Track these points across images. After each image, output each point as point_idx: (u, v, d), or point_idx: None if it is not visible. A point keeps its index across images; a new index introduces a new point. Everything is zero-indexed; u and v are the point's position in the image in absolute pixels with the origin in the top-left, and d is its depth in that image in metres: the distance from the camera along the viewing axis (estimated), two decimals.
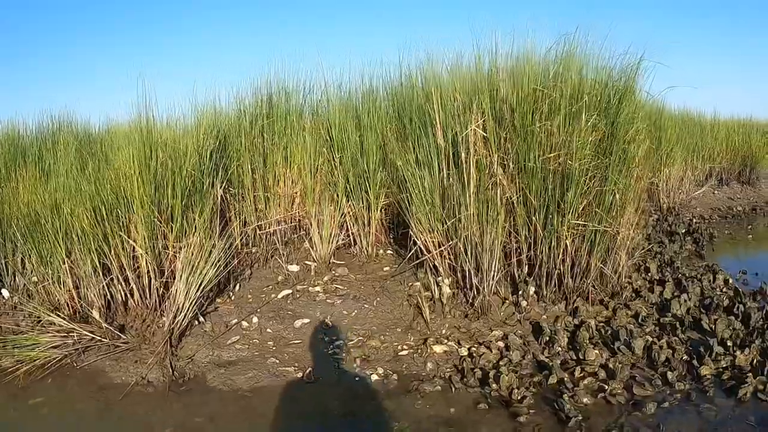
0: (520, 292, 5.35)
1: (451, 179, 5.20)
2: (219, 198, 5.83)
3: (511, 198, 5.20)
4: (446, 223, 5.23)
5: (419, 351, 4.89)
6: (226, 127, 6.34)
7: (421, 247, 5.38)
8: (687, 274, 6.18)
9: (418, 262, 5.49)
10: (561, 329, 4.98)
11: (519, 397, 4.13)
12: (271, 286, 5.77)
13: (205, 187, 5.58)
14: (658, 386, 4.23)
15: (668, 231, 9.01)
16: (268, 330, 5.22)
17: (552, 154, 5.05)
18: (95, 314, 5.44)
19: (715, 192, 12.96)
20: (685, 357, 4.59)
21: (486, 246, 5.14)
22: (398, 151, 5.59)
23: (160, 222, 5.33)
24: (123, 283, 5.46)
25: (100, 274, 5.50)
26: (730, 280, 6.16)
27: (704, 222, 10.63)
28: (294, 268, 5.91)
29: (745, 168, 13.81)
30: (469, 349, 4.89)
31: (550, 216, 5.16)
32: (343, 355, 4.90)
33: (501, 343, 4.91)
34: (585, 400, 4.09)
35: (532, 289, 5.35)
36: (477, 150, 5.06)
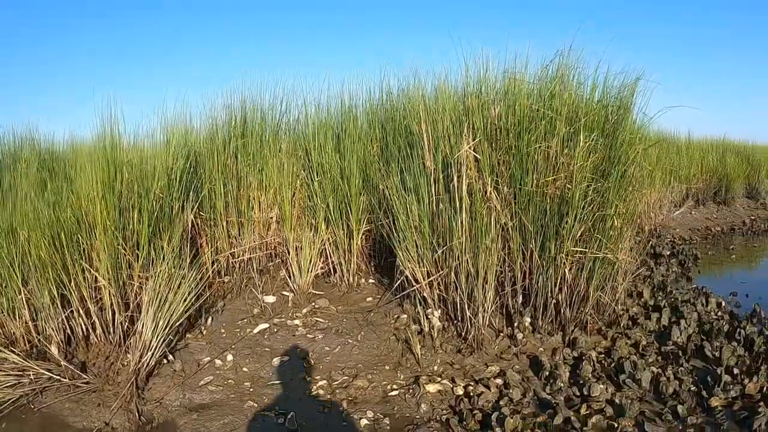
0: (516, 324, 5.04)
1: (441, 205, 4.86)
2: (189, 224, 5.37)
3: (505, 224, 4.90)
4: (436, 252, 4.89)
5: (411, 391, 4.50)
6: (197, 147, 5.90)
7: (409, 276, 5.04)
8: (681, 299, 5.95)
9: (405, 293, 5.15)
10: (561, 363, 4.70)
11: None
12: (246, 320, 5.35)
13: (174, 212, 5.13)
14: (669, 421, 4.04)
15: (653, 253, 8.80)
16: (245, 369, 4.80)
17: (549, 178, 4.77)
18: (54, 350, 4.98)
19: (693, 212, 12.85)
20: (693, 388, 4.38)
21: (479, 275, 4.79)
22: (382, 174, 5.20)
23: (125, 250, 4.87)
24: (84, 317, 4.99)
25: (59, 306, 5.00)
26: (723, 303, 6.08)
27: (686, 243, 10.46)
28: (270, 299, 5.52)
29: (720, 188, 13.75)
30: (465, 387, 4.52)
31: (548, 243, 4.87)
32: (328, 396, 4.51)
33: (499, 380, 4.57)
34: None
35: (527, 320, 5.05)
36: (469, 174, 4.72)
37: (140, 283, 4.92)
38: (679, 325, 5.18)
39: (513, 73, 5.13)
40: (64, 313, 5.05)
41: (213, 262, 5.76)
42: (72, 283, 4.94)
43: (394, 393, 4.52)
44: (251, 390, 4.65)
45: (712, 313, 5.75)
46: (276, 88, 6.28)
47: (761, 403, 4.05)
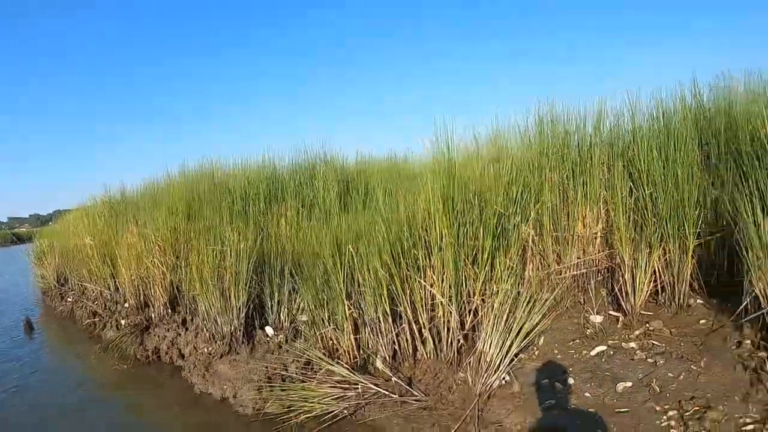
0: None
1: None
2: (530, 240, 5.13)
3: None
4: None
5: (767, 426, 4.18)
6: (518, 160, 5.65)
7: (760, 297, 4.65)
8: None
9: (753, 316, 4.77)
10: None
11: None
12: (578, 340, 5.27)
13: (512, 227, 4.91)
14: None
15: None
16: (587, 394, 4.76)
17: None
18: (379, 364, 4.87)
19: None
20: None
21: None
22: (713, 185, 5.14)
23: (466, 265, 4.67)
24: (416, 333, 4.82)
25: (390, 320, 4.88)
26: None
27: None
28: (597, 318, 5.39)
29: None
30: None
31: None
32: (681, 428, 4.28)
33: None
34: None
35: None
36: None
37: (479, 300, 4.72)
38: None
39: None
40: (395, 328, 4.92)
41: (540, 279, 5.50)
42: (406, 299, 4.78)
43: (749, 428, 4.19)
44: (596, 417, 4.51)
45: None
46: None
47: None
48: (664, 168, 5.38)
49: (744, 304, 4.83)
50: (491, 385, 4.66)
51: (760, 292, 4.70)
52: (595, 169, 5.72)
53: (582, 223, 5.76)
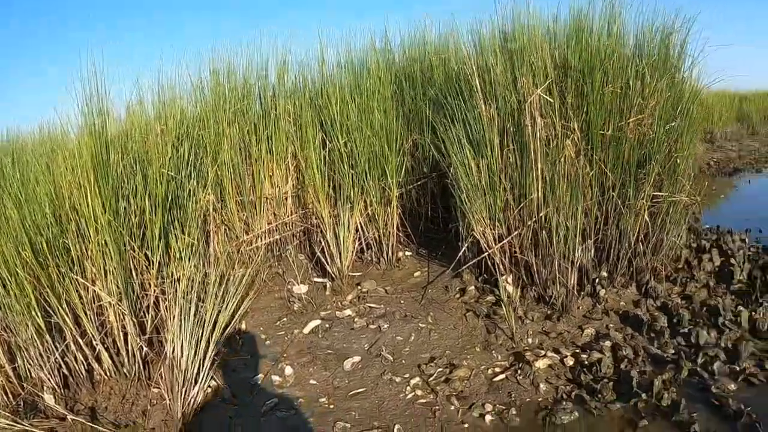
0: (597, 280, 4.33)
1: (510, 157, 4.15)
2: (211, 208, 4.00)
3: (579, 174, 4.12)
4: (511, 211, 4.17)
5: (519, 371, 3.62)
6: (189, 117, 4.58)
7: (480, 241, 4.25)
8: (712, 237, 5.42)
9: (474, 261, 4.35)
10: (659, 315, 4.06)
11: (669, 402, 3.22)
12: (286, 318, 4.39)
13: (186, 196, 3.74)
14: None
15: None
16: (312, 381, 3.78)
17: (631, 119, 4.17)
18: (49, 400, 3.47)
19: None
20: None
21: (569, 230, 4.07)
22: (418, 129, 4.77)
23: (133, 250, 3.41)
24: (84, 348, 3.48)
25: (49, 339, 3.48)
26: (747, 239, 5.47)
27: None
28: (303, 288, 4.53)
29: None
30: (573, 356, 3.72)
31: (625, 189, 4.26)
32: (430, 396, 3.51)
33: (607, 343, 3.81)
34: (731, 386, 3.34)
35: (604, 274, 4.37)
36: (539, 121, 4.01)
37: (157, 292, 3.48)
38: (733, 264, 4.70)
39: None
40: (57, 348, 3.52)
41: (227, 252, 4.47)
42: (62, 305, 3.41)
43: (500, 377, 3.63)
44: (332, 407, 3.55)
45: (745, 249, 5.21)
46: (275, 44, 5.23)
47: None
48: (358, 117, 4.73)
49: (463, 249, 4.38)
50: (196, 398, 3.46)
51: (481, 234, 4.25)
52: (281, 121, 4.85)
53: (270, 182, 4.87)
